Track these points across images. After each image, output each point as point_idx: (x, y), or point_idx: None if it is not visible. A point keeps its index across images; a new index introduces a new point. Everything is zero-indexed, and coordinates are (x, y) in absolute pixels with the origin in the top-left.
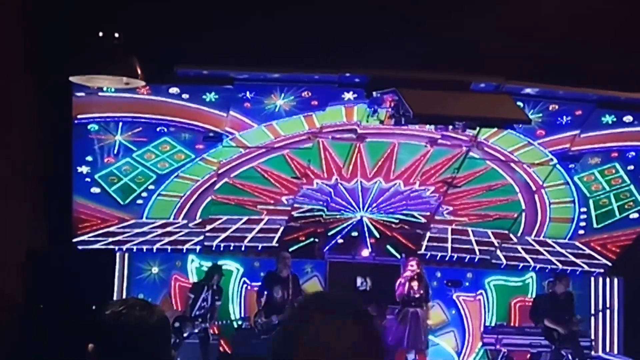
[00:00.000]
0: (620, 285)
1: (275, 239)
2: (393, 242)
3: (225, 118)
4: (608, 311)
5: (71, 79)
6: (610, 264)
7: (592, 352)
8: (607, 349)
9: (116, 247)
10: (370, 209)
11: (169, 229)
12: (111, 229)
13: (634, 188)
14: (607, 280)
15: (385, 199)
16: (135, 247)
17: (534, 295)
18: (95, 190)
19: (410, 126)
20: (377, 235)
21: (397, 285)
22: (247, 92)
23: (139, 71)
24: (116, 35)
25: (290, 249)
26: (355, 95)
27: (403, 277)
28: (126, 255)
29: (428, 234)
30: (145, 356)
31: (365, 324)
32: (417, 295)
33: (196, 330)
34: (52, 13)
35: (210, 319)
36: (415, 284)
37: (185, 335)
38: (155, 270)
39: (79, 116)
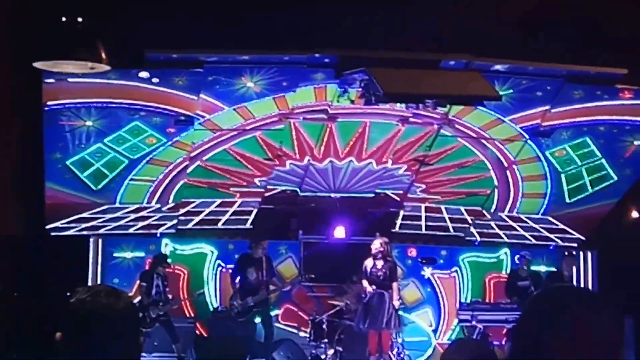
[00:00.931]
0: (594, 259)
1: (249, 221)
2: (367, 221)
3: (196, 101)
4: (582, 285)
5: (35, 64)
6: (583, 238)
7: None
8: None
9: (89, 233)
10: (343, 188)
11: (142, 213)
12: (84, 215)
13: (606, 162)
14: (581, 254)
15: (358, 179)
16: (108, 233)
17: (508, 271)
18: (67, 176)
19: (381, 105)
20: (351, 215)
21: (363, 266)
22: (217, 75)
23: (104, 56)
24: (79, 19)
25: (265, 231)
26: (326, 76)
27: (368, 257)
28: (100, 241)
29: (402, 212)
30: (113, 343)
31: (618, 315)
32: (379, 275)
33: (161, 313)
34: None
35: (167, 302)
36: (379, 263)
37: (151, 320)
38: (129, 255)
39: (49, 103)
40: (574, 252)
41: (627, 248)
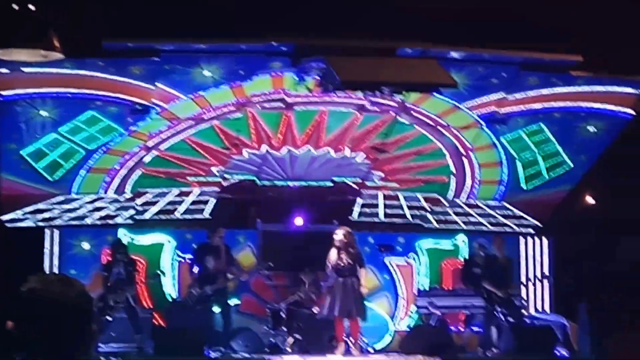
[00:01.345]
0: (550, 245)
1: (207, 211)
2: (325, 209)
3: (153, 90)
4: (538, 271)
5: None
6: (539, 224)
7: (525, 312)
8: (539, 308)
9: (46, 224)
10: (301, 177)
11: (99, 204)
12: (40, 205)
13: (561, 148)
14: (537, 240)
15: (316, 167)
16: (65, 224)
17: (465, 258)
18: (22, 167)
19: (339, 93)
20: (309, 203)
21: (327, 256)
22: (174, 64)
23: (57, 44)
24: (31, 7)
25: (223, 220)
26: (283, 64)
27: (332, 247)
28: (56, 232)
29: (360, 200)
30: (66, 331)
31: None
32: (343, 265)
33: (119, 300)
34: None
35: (131, 289)
36: (343, 254)
37: (110, 308)
38: (86, 246)
39: (3, 93)
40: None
41: (582, 234)
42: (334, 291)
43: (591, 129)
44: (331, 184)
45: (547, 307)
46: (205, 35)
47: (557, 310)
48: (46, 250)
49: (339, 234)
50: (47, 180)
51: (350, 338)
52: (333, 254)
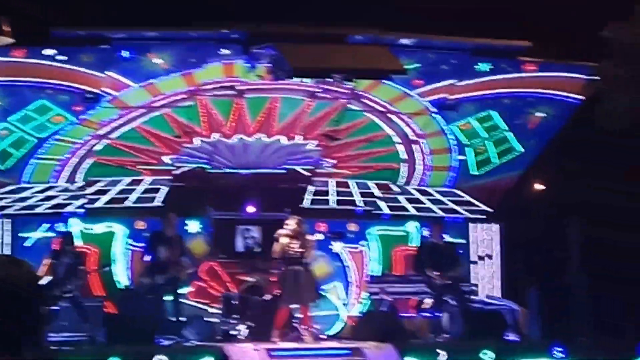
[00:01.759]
0: (500, 230)
1: (159, 199)
2: (277, 196)
3: (103, 78)
4: (487, 256)
5: None
6: (490, 210)
7: (474, 297)
8: (489, 293)
9: None
10: (253, 164)
11: (50, 193)
12: None
13: (510, 134)
14: (487, 225)
15: (268, 154)
16: (16, 213)
17: (416, 244)
18: None
19: (290, 81)
20: (262, 191)
21: (275, 243)
22: (125, 52)
23: (7, 28)
24: None
25: (175, 209)
26: (234, 52)
27: (280, 235)
28: (7, 221)
29: (311, 188)
30: (15, 312)
31: None
32: (293, 253)
33: (66, 291)
34: None
35: (77, 280)
36: (294, 241)
37: (58, 298)
38: (37, 235)
39: None
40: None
41: (531, 218)
42: (284, 279)
43: (540, 114)
44: (283, 172)
45: (497, 293)
46: (156, 23)
47: (507, 296)
48: None
49: (291, 223)
50: None
51: (302, 325)
52: (284, 242)
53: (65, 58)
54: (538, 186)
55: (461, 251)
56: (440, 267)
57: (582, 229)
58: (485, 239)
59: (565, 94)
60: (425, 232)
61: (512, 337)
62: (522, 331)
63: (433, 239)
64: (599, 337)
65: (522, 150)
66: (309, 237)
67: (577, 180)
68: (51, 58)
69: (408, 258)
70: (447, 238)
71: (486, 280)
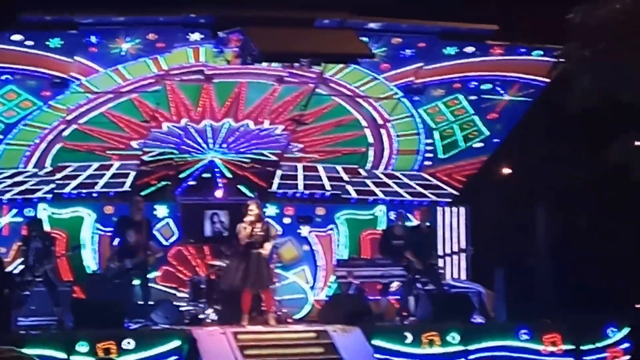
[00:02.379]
0: (466, 214)
1: (128, 184)
2: (245, 181)
3: (71, 64)
4: (455, 239)
5: None
6: (456, 193)
7: (442, 280)
8: (455, 276)
9: None
10: (221, 149)
11: (18, 178)
12: None
13: (477, 118)
14: (454, 209)
15: (236, 139)
16: None
17: (383, 228)
18: None
19: (257, 65)
20: (229, 175)
21: (238, 229)
22: (92, 37)
23: None
24: None
25: (143, 193)
26: (202, 36)
27: (245, 221)
28: None
29: (279, 172)
30: None
31: None
32: (259, 236)
33: (37, 274)
34: None
35: (47, 264)
36: (258, 225)
37: (28, 282)
38: (5, 220)
39: None
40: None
41: (497, 202)
42: (246, 262)
43: (507, 97)
44: (251, 156)
45: (463, 275)
46: (123, 8)
47: (473, 278)
48: None
49: (252, 207)
50: None
51: (266, 308)
52: (246, 226)
53: (32, 43)
54: (504, 169)
55: (429, 234)
56: (408, 250)
57: (547, 212)
58: (452, 222)
59: (531, 76)
60: (394, 216)
61: (478, 319)
62: (488, 313)
63: (400, 222)
64: (563, 320)
65: (489, 133)
66: (266, 220)
67: (543, 164)
68: (19, 43)
69: (375, 241)
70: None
71: (453, 263)
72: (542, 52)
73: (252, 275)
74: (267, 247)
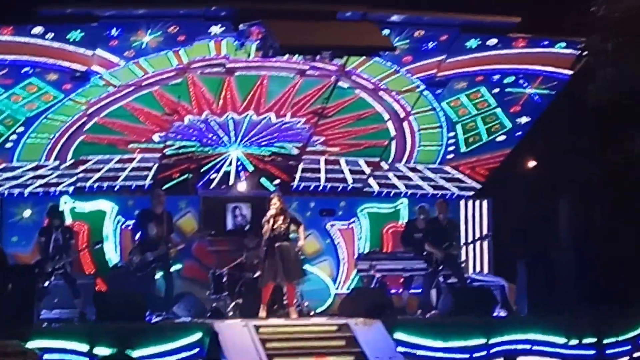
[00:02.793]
0: (489, 207)
1: (149, 177)
2: (266, 174)
3: (92, 57)
4: (478, 232)
5: None
6: (479, 186)
7: (464, 274)
8: (478, 269)
9: None
10: (242, 142)
11: (40, 171)
12: None
13: (500, 111)
14: (477, 202)
15: (258, 132)
16: (6, 192)
17: (406, 221)
18: None
19: (279, 58)
20: (251, 169)
21: (263, 222)
22: (113, 30)
23: None
24: None
25: (165, 186)
26: (223, 29)
27: (267, 214)
28: None
29: (301, 165)
30: None
31: None
32: (282, 230)
33: (56, 267)
34: None
35: (67, 257)
36: (279, 219)
37: (48, 275)
38: (27, 213)
39: None
40: (445, 197)
41: (520, 195)
42: (270, 256)
43: (530, 90)
44: (272, 149)
45: (486, 269)
46: (144, 1)
47: (496, 272)
48: None
49: (275, 200)
50: None
51: (288, 301)
52: (269, 219)
53: (52, 36)
54: (527, 162)
55: (451, 228)
56: (431, 243)
57: (570, 205)
58: (475, 215)
59: (555, 69)
60: (416, 209)
61: (501, 313)
62: (510, 307)
63: (423, 215)
64: (586, 313)
65: (512, 126)
66: (290, 213)
67: (566, 157)
68: (39, 36)
69: (398, 235)
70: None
71: (476, 256)
72: (565, 45)
73: (277, 268)
74: (293, 239)
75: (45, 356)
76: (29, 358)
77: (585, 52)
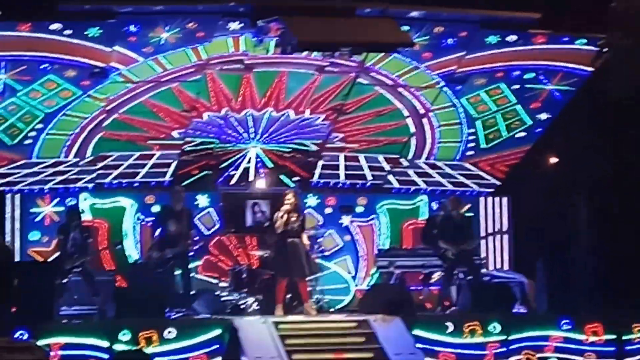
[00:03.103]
0: (508, 204)
1: (169, 174)
2: (286, 171)
3: (110, 53)
4: (497, 229)
5: None
6: (498, 183)
7: (484, 270)
8: (498, 266)
9: (6, 189)
10: (262, 139)
11: (59, 168)
12: (0, 170)
13: (520, 107)
14: (496, 199)
15: (277, 129)
16: (26, 188)
17: (425, 218)
18: None
19: (297, 54)
20: (270, 165)
21: (276, 218)
22: (131, 26)
23: None
24: None
25: (184, 183)
26: (241, 25)
27: (281, 210)
28: (17, 196)
29: (320, 162)
30: None
31: None
32: (295, 226)
33: (75, 265)
34: None
35: (86, 254)
36: (293, 215)
37: (67, 272)
38: (47, 210)
39: None
40: (458, 193)
41: (539, 192)
42: (282, 253)
43: (549, 87)
44: (292, 146)
45: (505, 265)
46: None
47: (515, 268)
48: (7, 215)
49: (290, 197)
50: (7, 145)
51: (303, 298)
52: (283, 215)
53: (71, 32)
54: (547, 159)
55: (471, 224)
56: (450, 240)
57: (590, 201)
58: (494, 212)
59: (575, 65)
60: (435, 206)
61: (521, 309)
62: (530, 304)
63: (443, 212)
64: (605, 309)
65: (532, 123)
66: (302, 210)
67: (586, 153)
68: (58, 32)
69: (417, 231)
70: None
71: (495, 253)
72: (585, 41)
73: (289, 264)
74: (306, 236)
75: (65, 352)
76: (36, 353)
77: (605, 49)
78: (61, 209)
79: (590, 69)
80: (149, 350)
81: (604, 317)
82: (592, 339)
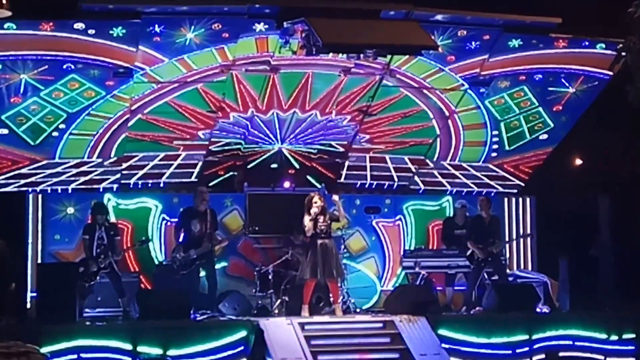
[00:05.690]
0: (532, 204)
1: (194, 175)
2: (312, 172)
3: (135, 53)
4: (521, 229)
5: None
6: (522, 184)
7: (508, 270)
8: (522, 267)
9: (29, 189)
10: (288, 140)
11: (83, 168)
12: (23, 170)
13: (542, 109)
14: (520, 200)
15: (303, 130)
16: (49, 188)
17: (450, 218)
18: (3, 131)
19: (323, 56)
20: (297, 166)
21: (307, 220)
22: (156, 26)
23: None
24: None
25: (210, 184)
26: (267, 26)
27: (310, 212)
28: (40, 196)
29: (347, 163)
30: None
31: None
32: (323, 228)
33: (102, 266)
34: None
35: (113, 254)
36: (321, 217)
37: (94, 274)
38: (70, 210)
39: None
40: (491, 195)
41: (563, 193)
42: (312, 254)
43: (571, 90)
44: (318, 147)
45: (530, 266)
46: None
47: (539, 268)
48: (30, 215)
49: (316, 199)
50: (30, 145)
51: (332, 299)
52: (311, 218)
53: (95, 32)
54: (570, 161)
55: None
56: (474, 240)
57: (612, 203)
58: (518, 212)
59: (595, 69)
60: (460, 206)
61: (544, 309)
62: (553, 303)
63: (467, 213)
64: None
65: (554, 125)
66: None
67: (608, 155)
68: (81, 32)
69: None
70: (480, 212)
71: (519, 253)
72: (604, 45)
73: (320, 266)
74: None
75: (89, 355)
76: (32, 358)
77: (623, 53)
78: (85, 209)
79: (610, 73)
80: (173, 352)
81: (625, 316)
82: (613, 337)
